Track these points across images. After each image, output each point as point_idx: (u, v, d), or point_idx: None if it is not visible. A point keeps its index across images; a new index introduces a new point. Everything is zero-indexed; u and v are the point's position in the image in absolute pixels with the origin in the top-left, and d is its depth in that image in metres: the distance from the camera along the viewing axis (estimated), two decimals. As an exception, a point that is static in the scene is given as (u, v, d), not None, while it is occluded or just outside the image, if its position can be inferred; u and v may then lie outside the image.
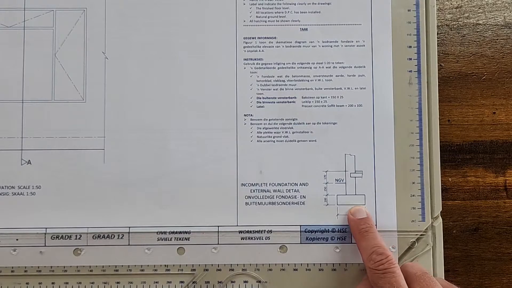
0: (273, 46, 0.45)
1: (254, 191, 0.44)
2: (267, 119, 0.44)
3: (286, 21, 0.45)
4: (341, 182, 0.44)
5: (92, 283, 0.43)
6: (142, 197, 0.43)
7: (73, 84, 0.44)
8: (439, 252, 0.43)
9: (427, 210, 0.44)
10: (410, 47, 0.44)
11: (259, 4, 0.45)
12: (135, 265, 0.43)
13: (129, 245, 0.43)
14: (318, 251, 0.43)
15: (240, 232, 0.43)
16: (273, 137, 0.44)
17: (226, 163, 0.44)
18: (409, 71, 0.44)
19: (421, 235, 0.43)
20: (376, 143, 0.44)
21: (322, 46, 0.45)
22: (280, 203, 0.44)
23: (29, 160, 0.43)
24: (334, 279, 0.43)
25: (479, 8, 0.47)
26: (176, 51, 0.44)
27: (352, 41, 0.45)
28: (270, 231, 0.43)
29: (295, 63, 0.44)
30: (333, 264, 0.43)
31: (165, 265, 0.43)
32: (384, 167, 0.44)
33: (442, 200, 0.44)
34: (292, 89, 0.44)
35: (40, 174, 0.43)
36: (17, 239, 0.43)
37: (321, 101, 0.44)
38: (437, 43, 0.45)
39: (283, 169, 0.44)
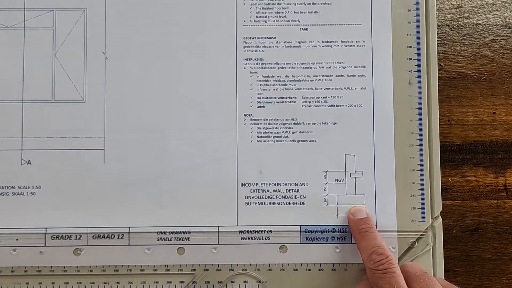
0: (273, 46, 0.45)
1: (254, 191, 0.44)
2: (267, 119, 0.44)
3: (286, 21, 0.45)
4: (341, 182, 0.44)
5: (92, 283, 0.43)
6: (142, 197, 0.43)
7: (73, 84, 0.44)
8: (439, 252, 0.43)
9: (427, 210, 0.44)
10: (410, 47, 0.44)
11: (259, 4, 0.45)
12: (135, 265, 0.43)
13: (129, 245, 0.43)
14: (318, 251, 0.43)
15: (240, 232, 0.43)
16: (273, 137, 0.44)
17: (226, 163, 0.44)
18: (409, 71, 0.44)
19: (421, 235, 0.43)
20: (376, 143, 0.44)
21: (322, 46, 0.45)
22: (280, 203, 0.44)
23: (29, 160, 0.43)
24: (334, 279, 0.43)
25: (479, 8, 0.47)
26: (176, 51, 0.44)
27: (352, 41, 0.45)
28: (270, 231, 0.43)
29: (295, 63, 0.44)
30: (333, 264, 0.43)
31: (165, 265, 0.43)
32: (384, 167, 0.44)
33: (442, 200, 0.44)
34: (292, 89, 0.44)
35: (40, 174, 0.43)
36: (17, 239, 0.43)
37: (321, 101, 0.44)
38: (437, 43, 0.45)
39: (283, 169, 0.44)
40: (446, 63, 0.47)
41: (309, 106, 0.44)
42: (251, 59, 0.44)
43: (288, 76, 0.44)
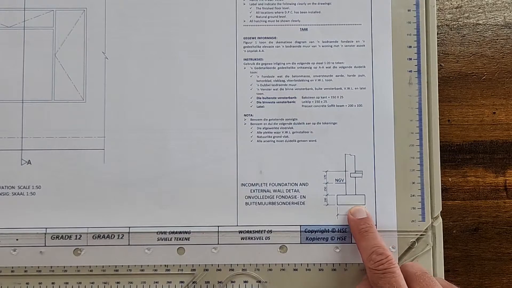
0: (273, 46, 0.45)
1: (254, 191, 0.44)
2: (267, 119, 0.44)
3: (286, 21, 0.45)
4: (341, 182, 0.44)
5: (92, 283, 0.43)
6: (142, 197, 0.43)
7: (73, 84, 0.44)
8: (439, 252, 0.43)
9: (427, 210, 0.44)
10: (410, 47, 0.44)
11: (259, 4, 0.45)
12: (135, 265, 0.43)
13: (129, 245, 0.43)
14: (318, 251, 0.43)
15: (240, 232, 0.43)
16: (273, 137, 0.44)
17: (226, 163, 0.44)
18: (409, 71, 0.44)
19: (421, 235, 0.43)
20: (376, 143, 0.44)
21: (322, 46, 0.45)
22: (280, 203, 0.44)
23: (29, 160, 0.43)
24: (334, 279, 0.43)
25: (479, 8, 0.47)
26: (176, 51, 0.44)
27: (352, 41, 0.45)
28: (270, 231, 0.43)
29: (295, 63, 0.44)
30: (333, 264, 0.43)
31: (165, 265, 0.43)
32: (384, 167, 0.44)
33: (442, 200, 0.44)
34: (292, 89, 0.44)
35: (40, 174, 0.43)
36: (17, 239, 0.43)
37: (321, 101, 0.44)
38: (437, 43, 0.45)
39: (283, 169, 0.44)
40: (446, 63, 0.47)
41: (309, 106, 0.44)
42: (251, 59, 0.44)
43: (288, 76, 0.44)
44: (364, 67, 0.44)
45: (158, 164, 0.44)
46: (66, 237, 0.43)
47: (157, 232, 0.43)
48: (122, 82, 0.44)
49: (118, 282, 0.43)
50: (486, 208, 0.46)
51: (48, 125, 0.44)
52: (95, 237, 0.43)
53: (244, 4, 0.45)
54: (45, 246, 0.43)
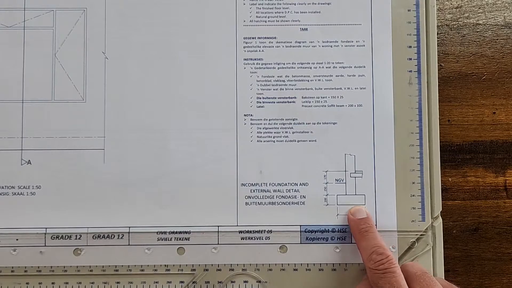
0: (273, 46, 0.45)
1: (254, 191, 0.44)
2: (267, 119, 0.44)
3: (286, 21, 0.45)
4: (341, 182, 0.44)
5: (92, 283, 0.43)
6: (142, 197, 0.43)
7: (73, 84, 0.44)
8: (439, 252, 0.43)
9: (427, 210, 0.44)
10: (410, 47, 0.44)
11: (259, 4, 0.45)
12: (135, 265, 0.43)
13: (129, 245, 0.43)
14: (318, 251, 0.43)
15: (240, 232, 0.43)
16: (273, 137, 0.44)
17: (226, 163, 0.44)
18: (409, 71, 0.44)
19: (421, 235, 0.43)
20: (376, 143, 0.44)
21: (322, 46, 0.45)
22: (280, 203, 0.44)
23: (29, 160, 0.43)
24: (334, 279, 0.43)
25: (479, 8, 0.47)
26: (176, 51, 0.44)
27: (352, 41, 0.45)
28: (270, 231, 0.43)
29: (295, 63, 0.44)
30: (333, 264, 0.43)
31: (165, 265, 0.43)
32: (384, 167, 0.44)
33: (442, 200, 0.44)
34: (292, 89, 0.44)
35: (40, 174, 0.43)
36: (17, 239, 0.43)
37: (321, 101, 0.44)
38: (437, 43, 0.45)
39: (283, 169, 0.44)
40: (446, 63, 0.47)
41: (309, 106, 0.44)
42: (251, 59, 0.44)
43: (288, 76, 0.44)
44: (364, 67, 0.44)
45: (158, 164, 0.44)
46: (66, 237, 0.43)
47: (157, 232, 0.43)
48: (122, 82, 0.44)
49: (118, 282, 0.43)
50: (486, 208, 0.46)
51: (48, 125, 0.44)
52: (95, 237, 0.43)
53: (244, 4, 0.45)
54: (45, 246, 0.43)
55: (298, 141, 0.44)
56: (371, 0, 0.45)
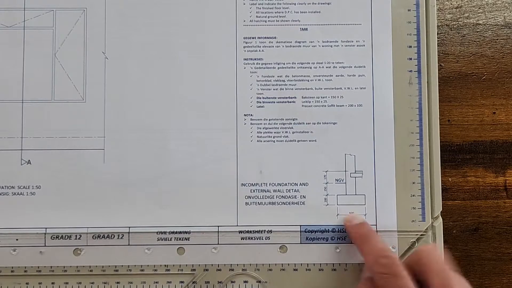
0: (273, 46, 0.45)
1: (254, 191, 0.44)
2: (267, 119, 0.44)
3: (286, 21, 0.45)
4: (341, 182, 0.44)
5: (92, 283, 0.43)
6: (142, 197, 0.43)
7: (73, 84, 0.44)
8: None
9: (427, 210, 0.44)
10: (410, 47, 0.44)
11: (259, 4, 0.45)
12: (135, 265, 0.43)
13: (129, 245, 0.43)
14: (318, 251, 0.43)
15: (240, 232, 0.43)
16: (273, 137, 0.44)
17: (226, 163, 0.44)
18: (409, 71, 0.44)
19: (421, 235, 0.43)
20: (376, 143, 0.44)
21: (322, 46, 0.45)
22: (280, 203, 0.44)
23: (29, 160, 0.43)
24: (334, 279, 0.43)
25: (479, 8, 0.47)
26: (176, 51, 0.44)
27: (352, 41, 0.45)
28: (270, 231, 0.43)
29: (295, 63, 0.44)
30: (333, 264, 0.43)
31: (165, 265, 0.43)
32: (384, 167, 0.44)
33: (442, 200, 0.44)
34: (292, 89, 0.44)
35: (40, 174, 0.43)
36: (17, 239, 0.43)
37: (321, 101, 0.44)
38: (437, 43, 0.45)
39: (283, 169, 0.44)
40: (446, 63, 0.47)
41: (309, 106, 0.44)
42: (251, 59, 0.44)
43: (288, 76, 0.44)
44: (364, 67, 0.44)
45: (158, 164, 0.44)
46: (66, 237, 0.43)
47: (157, 232, 0.43)
48: (122, 82, 0.44)
49: (118, 282, 0.43)
50: (486, 208, 0.46)
51: (48, 125, 0.44)
52: (95, 237, 0.43)
53: (244, 4, 0.45)
54: (45, 246, 0.43)
55: (298, 141, 0.44)
56: (371, 0, 0.45)
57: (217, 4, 0.45)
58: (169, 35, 0.44)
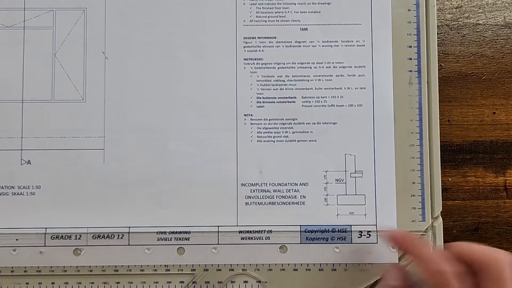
0: (273, 46, 0.45)
1: (254, 191, 0.44)
2: (267, 119, 0.44)
3: (286, 21, 0.45)
4: (341, 182, 0.44)
5: (92, 283, 0.43)
6: (142, 197, 0.43)
7: (73, 84, 0.44)
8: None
9: (427, 210, 0.44)
10: (410, 47, 0.44)
11: (259, 4, 0.45)
12: (135, 265, 0.43)
13: (129, 245, 0.43)
14: (318, 251, 0.43)
15: (240, 232, 0.43)
16: (273, 137, 0.44)
17: (226, 163, 0.44)
18: (409, 71, 0.44)
19: (422, 235, 0.43)
20: (376, 143, 0.44)
21: (322, 46, 0.45)
22: (280, 203, 0.44)
23: (29, 160, 0.43)
24: (334, 279, 0.43)
25: (479, 8, 0.47)
26: (176, 51, 0.44)
27: (352, 41, 0.45)
28: (270, 231, 0.43)
29: (295, 63, 0.44)
30: (333, 264, 0.43)
31: (165, 265, 0.43)
32: (384, 167, 0.44)
33: (442, 200, 0.44)
34: (292, 89, 0.44)
35: (40, 174, 0.43)
36: (17, 239, 0.43)
37: (321, 101, 0.44)
38: (437, 43, 0.45)
39: (283, 169, 0.44)
40: (446, 63, 0.47)
41: (309, 106, 0.44)
42: (251, 59, 0.44)
43: (288, 76, 0.44)
44: (364, 67, 0.44)
45: (158, 164, 0.44)
46: (66, 237, 0.43)
47: (157, 232, 0.43)
48: (122, 82, 0.44)
49: (118, 282, 0.43)
50: (486, 208, 0.46)
51: (48, 125, 0.44)
52: (95, 237, 0.43)
53: (244, 4, 0.45)
54: (45, 246, 0.43)
55: (298, 141, 0.44)
56: (371, 0, 0.45)
57: (217, 4, 0.45)
58: (169, 35, 0.44)
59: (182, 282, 0.43)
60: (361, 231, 0.43)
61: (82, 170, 0.43)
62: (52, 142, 0.44)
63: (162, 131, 0.44)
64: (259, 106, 0.44)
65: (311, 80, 0.44)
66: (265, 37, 0.45)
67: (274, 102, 0.44)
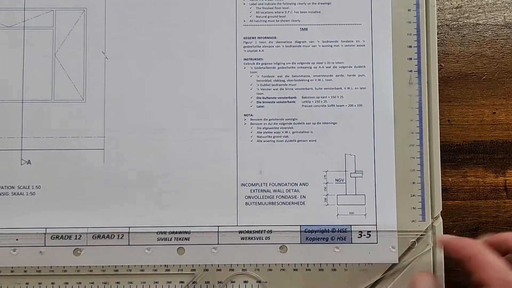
0: (273, 46, 0.45)
1: (254, 191, 0.44)
2: (267, 119, 0.44)
3: (286, 21, 0.45)
4: (341, 182, 0.44)
5: (92, 283, 0.43)
6: (142, 197, 0.43)
7: (73, 84, 0.44)
8: (439, 252, 0.43)
9: (427, 210, 0.44)
10: (410, 46, 0.44)
11: (259, 4, 0.45)
12: (135, 265, 0.43)
13: (129, 245, 0.43)
14: (318, 251, 0.43)
15: (240, 232, 0.43)
16: (273, 137, 0.44)
17: (226, 163, 0.44)
18: (409, 71, 0.44)
19: (422, 235, 0.43)
20: (376, 143, 0.44)
21: (322, 46, 0.45)
22: (280, 203, 0.44)
23: (29, 160, 0.43)
24: (334, 279, 0.43)
25: (479, 8, 0.47)
26: (176, 51, 0.44)
27: (352, 41, 0.45)
28: (270, 231, 0.43)
29: (295, 63, 0.44)
30: (333, 264, 0.43)
31: (165, 265, 0.43)
32: (384, 167, 0.44)
33: (442, 200, 0.44)
34: (292, 89, 0.44)
35: (40, 174, 0.43)
36: (17, 239, 0.43)
37: (321, 101, 0.44)
38: (437, 43, 0.45)
39: (283, 169, 0.44)
40: (446, 63, 0.47)
41: (309, 106, 0.44)
42: (251, 59, 0.44)
43: (288, 76, 0.44)
44: (364, 67, 0.44)
45: (158, 164, 0.44)
46: (66, 237, 0.43)
47: (157, 232, 0.43)
48: (122, 82, 0.44)
49: (118, 282, 0.43)
50: (486, 208, 0.46)
51: (48, 125, 0.44)
52: (95, 237, 0.43)
53: (244, 4, 0.45)
54: (45, 246, 0.43)
55: (298, 141, 0.44)
56: (371, 0, 0.45)
57: (217, 4, 0.45)
58: (169, 35, 0.44)
59: (182, 282, 0.43)
60: (361, 231, 0.43)
61: (82, 170, 0.43)
62: (52, 142, 0.44)
63: (162, 131, 0.44)
64: (259, 106, 0.44)
65: (311, 80, 0.44)
66: (265, 37, 0.45)
67: (274, 102, 0.44)
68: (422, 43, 0.44)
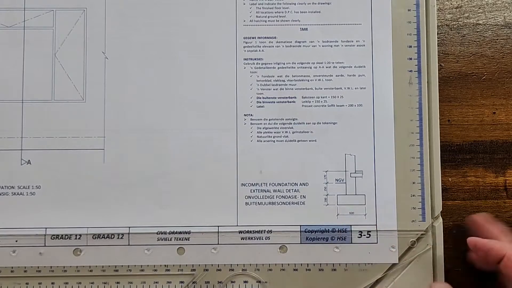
0: (273, 46, 0.45)
1: (254, 191, 0.44)
2: (267, 119, 0.44)
3: (286, 21, 0.45)
4: (341, 182, 0.44)
5: (92, 283, 0.43)
6: (142, 197, 0.43)
7: (73, 84, 0.44)
8: (439, 252, 0.43)
9: (427, 210, 0.44)
10: (410, 46, 0.44)
11: (259, 4, 0.45)
12: (135, 265, 0.43)
13: (129, 245, 0.43)
14: (318, 251, 0.43)
15: (240, 232, 0.43)
16: (273, 137, 0.44)
17: (226, 163, 0.44)
18: (409, 71, 0.44)
19: (422, 235, 0.43)
20: (376, 143, 0.44)
21: (322, 46, 0.45)
22: (280, 203, 0.44)
23: (29, 160, 0.43)
24: (334, 279, 0.43)
25: (479, 8, 0.47)
26: (176, 51, 0.44)
27: (352, 41, 0.45)
28: (270, 231, 0.43)
29: (295, 63, 0.45)
30: (333, 264, 0.43)
31: (165, 265, 0.43)
32: (384, 167, 0.44)
33: (442, 200, 0.44)
34: (292, 89, 0.44)
35: (40, 174, 0.43)
36: (16, 240, 0.43)
37: (321, 101, 0.44)
38: (437, 43, 0.45)
39: (283, 169, 0.44)
40: (446, 63, 0.47)
41: (309, 106, 0.44)
42: (251, 59, 0.44)
43: (288, 76, 0.44)
44: (364, 67, 0.44)
45: (158, 164, 0.44)
46: (66, 237, 0.43)
47: (157, 232, 0.43)
48: (122, 82, 0.44)
49: (118, 282, 0.43)
50: (486, 208, 0.46)
51: (48, 125, 0.44)
52: (95, 237, 0.43)
53: (244, 4, 0.45)
54: (45, 246, 0.43)
55: (298, 141, 0.44)
56: (371, 0, 0.45)
57: (217, 4, 0.45)
58: (169, 35, 0.44)
59: (182, 282, 0.43)
60: (361, 231, 0.43)
61: (82, 170, 0.43)
62: (52, 142, 0.44)
63: (162, 131, 0.44)
64: (259, 106, 0.44)
65: (311, 80, 0.44)
66: (265, 37, 0.45)
67: (274, 102, 0.44)
68: (422, 43, 0.44)
